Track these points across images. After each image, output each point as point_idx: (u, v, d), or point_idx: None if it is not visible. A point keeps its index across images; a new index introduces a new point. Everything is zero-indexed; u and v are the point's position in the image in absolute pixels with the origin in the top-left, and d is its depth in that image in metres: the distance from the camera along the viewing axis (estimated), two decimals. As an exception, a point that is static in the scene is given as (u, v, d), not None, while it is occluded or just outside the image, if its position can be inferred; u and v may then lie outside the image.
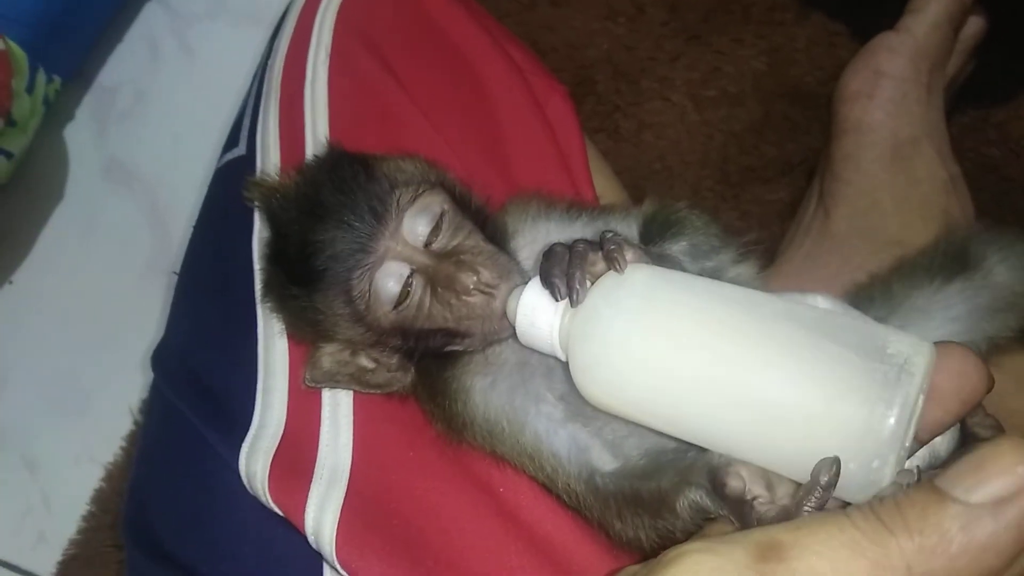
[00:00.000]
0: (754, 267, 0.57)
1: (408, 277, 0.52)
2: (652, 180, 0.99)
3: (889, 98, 0.79)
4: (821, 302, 0.58)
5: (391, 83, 0.70)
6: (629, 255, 0.48)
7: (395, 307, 0.52)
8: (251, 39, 1.04)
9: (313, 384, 0.57)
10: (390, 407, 0.58)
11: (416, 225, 0.53)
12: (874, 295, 0.63)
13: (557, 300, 0.48)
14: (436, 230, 0.53)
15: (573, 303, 0.48)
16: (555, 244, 0.50)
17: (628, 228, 0.58)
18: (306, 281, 0.53)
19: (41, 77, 1.08)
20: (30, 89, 1.06)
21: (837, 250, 0.80)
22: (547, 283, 0.48)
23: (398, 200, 0.52)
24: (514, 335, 0.51)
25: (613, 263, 0.48)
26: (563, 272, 0.48)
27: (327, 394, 0.59)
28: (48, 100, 1.11)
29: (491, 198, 0.62)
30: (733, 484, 0.44)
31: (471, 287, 0.51)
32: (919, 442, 0.42)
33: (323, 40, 0.72)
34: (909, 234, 0.67)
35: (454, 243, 0.53)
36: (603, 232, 0.50)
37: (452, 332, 0.53)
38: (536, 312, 0.49)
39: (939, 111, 0.83)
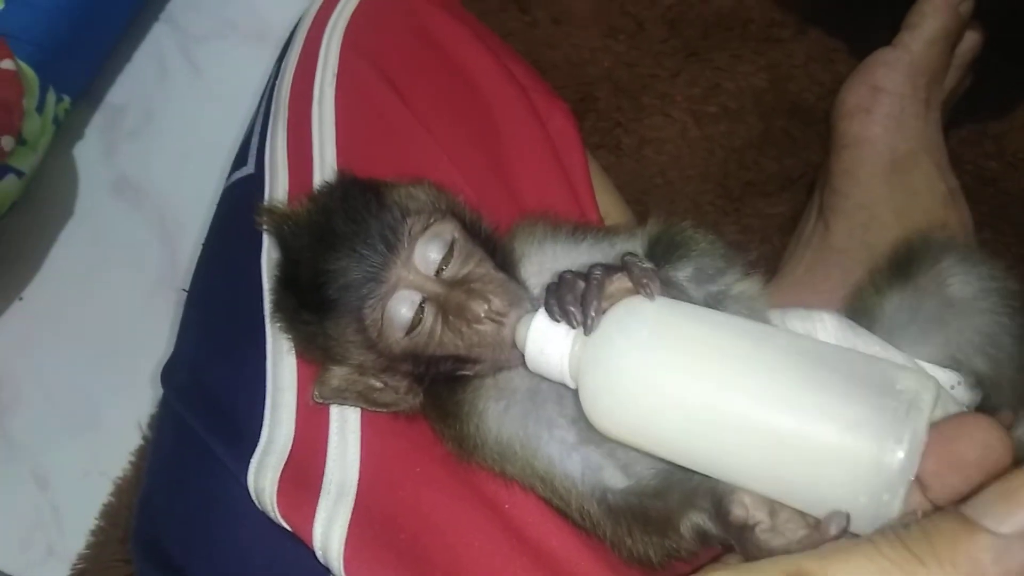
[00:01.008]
0: (758, 285, 0.57)
1: (420, 304, 0.53)
2: (653, 195, 1.00)
3: (887, 113, 0.80)
4: (827, 319, 0.59)
5: (397, 102, 0.72)
6: (656, 285, 0.49)
7: (407, 334, 0.53)
8: (259, 58, 1.06)
9: (321, 401, 0.58)
10: (398, 423, 0.59)
11: (427, 253, 0.53)
12: (856, 307, 0.63)
13: (573, 327, 0.49)
14: (447, 258, 0.54)
15: (587, 331, 0.48)
16: (565, 272, 0.51)
17: (634, 249, 0.58)
18: (318, 308, 0.54)
19: (51, 96, 1.09)
20: (40, 108, 1.07)
21: (837, 263, 0.80)
22: (562, 311, 0.49)
23: (410, 229, 0.53)
24: (524, 362, 0.52)
25: (643, 288, 0.48)
26: (576, 299, 0.49)
27: (335, 410, 0.60)
28: (58, 119, 1.12)
29: (496, 215, 0.63)
30: (737, 512, 0.46)
31: (482, 315, 0.52)
32: (935, 507, 0.42)
33: (330, 61, 0.73)
34: (908, 246, 0.68)
35: (465, 271, 0.54)
36: (625, 255, 0.51)
37: (463, 358, 0.54)
38: (546, 340, 0.50)
39: (937, 125, 0.83)
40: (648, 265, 0.50)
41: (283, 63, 0.76)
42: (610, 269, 0.50)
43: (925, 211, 0.79)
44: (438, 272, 0.54)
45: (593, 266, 0.50)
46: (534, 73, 0.84)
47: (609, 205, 0.80)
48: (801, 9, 1.03)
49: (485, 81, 0.76)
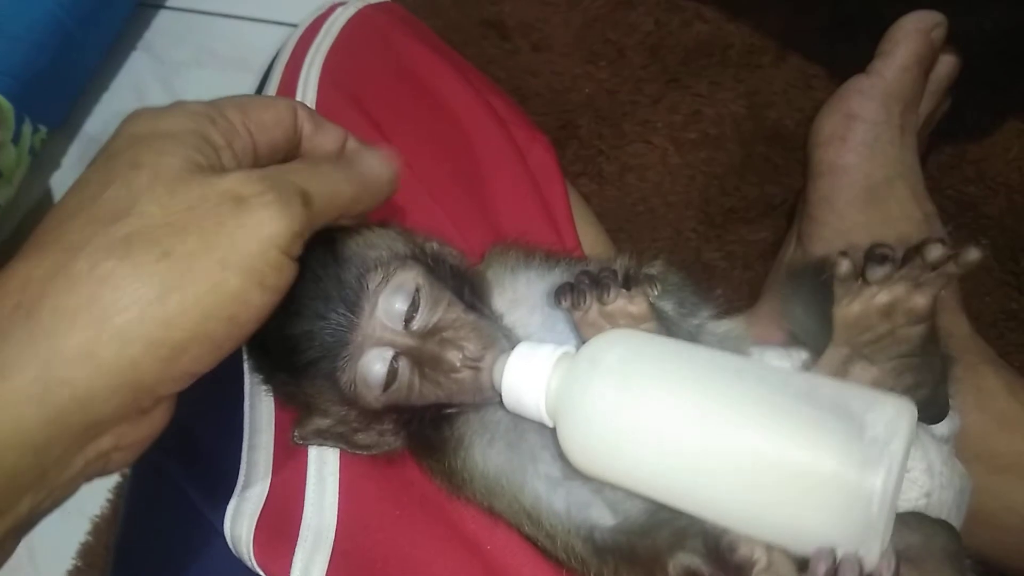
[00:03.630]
0: (737, 323, 0.57)
1: (392, 360, 0.52)
2: (635, 222, 0.99)
3: (862, 141, 0.80)
4: (805, 356, 0.59)
5: (376, 137, 0.71)
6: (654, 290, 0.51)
7: (384, 391, 0.52)
8: (239, 86, 1.04)
9: (301, 442, 0.57)
10: (377, 464, 0.59)
11: (392, 305, 0.52)
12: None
13: (579, 308, 0.51)
14: (413, 307, 0.52)
15: (603, 303, 0.51)
16: (582, 272, 0.53)
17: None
18: (291, 371, 0.53)
19: (27, 127, 1.08)
20: (16, 139, 1.06)
21: (816, 290, 0.80)
22: (575, 304, 0.52)
23: (370, 283, 0.52)
24: (511, 417, 0.52)
25: (644, 292, 0.51)
26: (592, 288, 0.51)
27: (313, 451, 0.59)
28: (34, 150, 1.11)
29: (476, 249, 0.63)
30: (743, 551, 0.45)
31: (458, 364, 0.51)
32: None
33: (308, 95, 0.73)
34: (885, 273, 0.68)
35: (435, 319, 0.53)
36: (628, 268, 0.52)
37: (445, 404, 0.54)
38: (521, 383, 0.50)
39: (912, 151, 0.84)
40: (650, 272, 0.52)
41: (260, 99, 0.75)
42: (617, 279, 0.52)
43: (901, 237, 0.78)
44: (407, 322, 0.52)
45: (602, 269, 0.53)
46: (514, 106, 0.84)
47: (591, 237, 0.79)
48: (780, 36, 1.03)
49: (465, 115, 0.76)
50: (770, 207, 0.98)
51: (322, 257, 0.53)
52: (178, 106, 0.48)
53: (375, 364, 0.52)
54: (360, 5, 0.81)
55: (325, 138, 0.53)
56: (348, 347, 0.51)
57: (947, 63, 0.86)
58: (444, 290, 0.54)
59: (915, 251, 0.49)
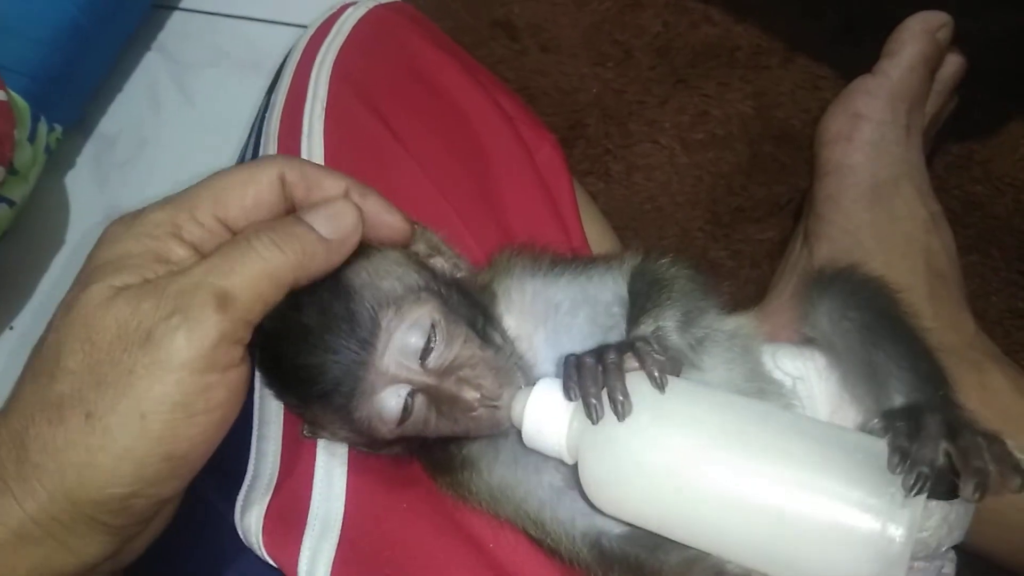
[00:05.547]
0: (747, 320, 0.58)
1: (408, 397, 0.51)
2: (643, 221, 1.00)
3: (868, 140, 0.81)
4: (818, 358, 0.60)
5: (386, 134, 0.72)
6: (667, 375, 0.49)
7: (398, 425, 0.51)
8: (252, 86, 1.06)
9: (311, 436, 0.58)
10: (384, 459, 0.59)
11: (408, 342, 0.50)
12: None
13: (593, 421, 0.48)
14: (429, 343, 0.51)
15: (621, 417, 0.48)
16: (585, 356, 0.51)
17: (614, 282, 0.59)
18: (303, 400, 0.53)
19: (43, 126, 1.10)
20: (32, 138, 1.08)
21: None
22: (586, 404, 0.49)
23: (383, 320, 0.50)
24: (518, 433, 0.52)
25: (655, 380, 0.49)
26: (599, 389, 0.49)
27: (322, 442, 0.60)
28: (49, 148, 1.12)
29: (485, 246, 0.64)
30: None
31: (476, 404, 0.51)
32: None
33: (319, 93, 0.74)
34: (891, 272, 0.68)
35: (451, 356, 0.52)
36: (636, 342, 0.51)
37: (459, 436, 0.54)
38: (543, 421, 0.50)
39: (918, 151, 0.84)
40: (660, 355, 0.50)
41: (272, 97, 0.77)
42: (622, 349, 0.50)
43: (906, 236, 0.79)
44: (423, 357, 0.51)
45: (605, 350, 0.50)
46: (522, 105, 0.85)
47: (597, 234, 0.80)
48: (787, 37, 1.04)
49: (474, 114, 0.76)
50: (777, 206, 0.99)
51: (328, 284, 0.51)
52: (145, 219, 0.47)
53: (391, 400, 0.50)
54: (371, 5, 0.82)
55: (319, 197, 0.51)
56: (363, 382, 0.50)
57: (953, 63, 0.87)
58: (460, 324, 0.53)
59: (962, 456, 0.46)
